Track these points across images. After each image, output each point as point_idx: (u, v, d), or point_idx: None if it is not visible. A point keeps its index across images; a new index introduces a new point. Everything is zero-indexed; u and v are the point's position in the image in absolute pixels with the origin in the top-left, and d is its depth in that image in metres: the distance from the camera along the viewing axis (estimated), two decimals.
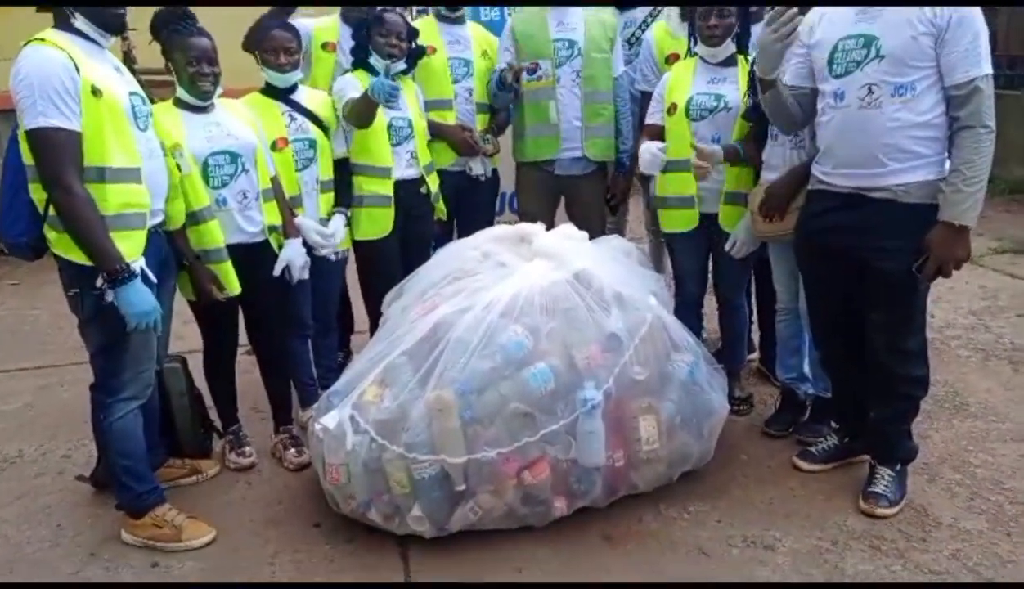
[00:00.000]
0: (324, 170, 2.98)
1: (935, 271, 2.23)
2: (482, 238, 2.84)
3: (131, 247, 2.18)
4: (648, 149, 2.80)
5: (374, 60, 3.03)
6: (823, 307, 2.58)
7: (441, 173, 3.32)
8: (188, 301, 2.69)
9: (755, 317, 3.40)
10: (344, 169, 3.06)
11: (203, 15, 2.61)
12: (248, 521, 2.56)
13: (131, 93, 2.25)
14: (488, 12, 4.18)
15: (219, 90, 2.61)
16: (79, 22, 2.15)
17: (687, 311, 3.00)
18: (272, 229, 2.73)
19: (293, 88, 2.94)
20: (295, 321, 2.98)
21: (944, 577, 2.14)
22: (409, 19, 3.27)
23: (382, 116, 2.96)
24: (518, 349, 2.35)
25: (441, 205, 3.32)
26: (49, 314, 4.69)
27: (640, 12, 3.59)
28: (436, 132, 3.27)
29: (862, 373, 2.49)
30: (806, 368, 2.92)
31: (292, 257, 2.76)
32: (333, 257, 3.00)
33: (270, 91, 2.92)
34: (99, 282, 2.13)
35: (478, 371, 2.31)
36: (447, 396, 2.30)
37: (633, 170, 3.63)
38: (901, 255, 2.25)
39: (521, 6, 3.64)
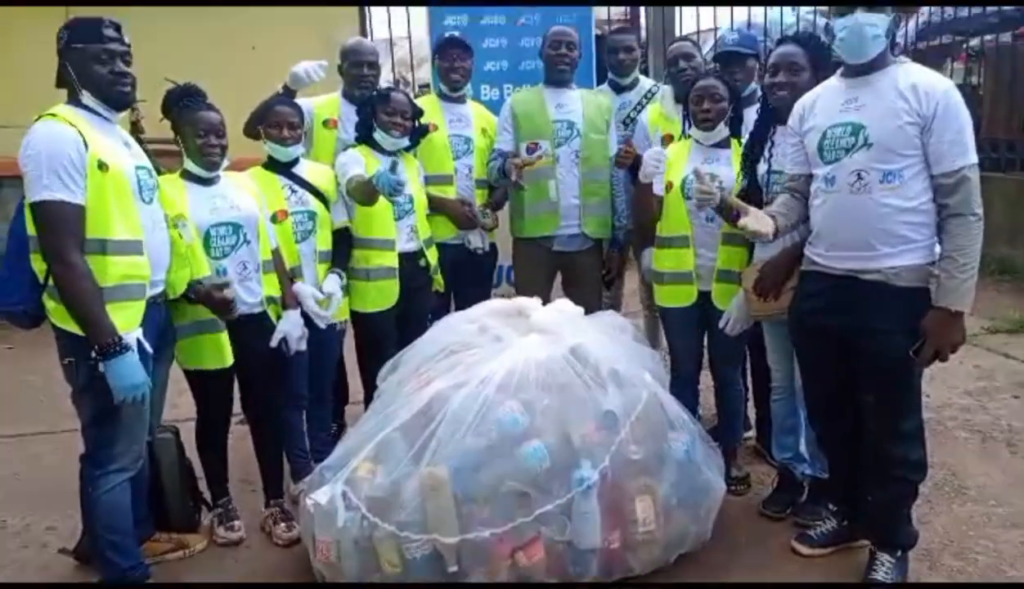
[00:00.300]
0: (323, 241, 3.01)
1: (932, 355, 2.24)
2: (479, 312, 2.85)
3: (129, 317, 2.19)
4: (652, 155, 2.80)
5: (379, 136, 3.11)
6: (818, 387, 2.58)
7: (440, 246, 3.37)
8: (183, 370, 2.68)
9: (751, 394, 3.39)
10: (343, 238, 3.09)
11: (212, 91, 2.69)
12: None
13: (138, 167, 2.30)
14: (488, 92, 4.34)
15: (226, 163, 2.67)
16: (86, 98, 2.22)
17: (683, 388, 2.99)
18: (271, 300, 2.74)
19: (294, 162, 3.00)
20: (290, 392, 2.97)
21: None
22: (412, 96, 3.38)
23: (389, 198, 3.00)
24: (514, 425, 2.34)
25: (439, 277, 3.35)
26: (43, 379, 4.64)
27: (635, 94, 3.70)
28: (437, 206, 3.33)
29: (860, 455, 2.48)
30: (803, 448, 2.90)
31: (289, 329, 2.77)
32: (325, 326, 2.99)
33: (272, 165, 2.98)
34: (93, 352, 2.13)
35: (473, 448, 2.29)
36: (441, 473, 2.27)
37: (628, 246, 3.70)
38: (893, 337, 2.26)
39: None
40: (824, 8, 6.92)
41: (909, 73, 2.24)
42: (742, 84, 3.15)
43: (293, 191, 2.97)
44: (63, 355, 2.23)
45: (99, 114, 2.24)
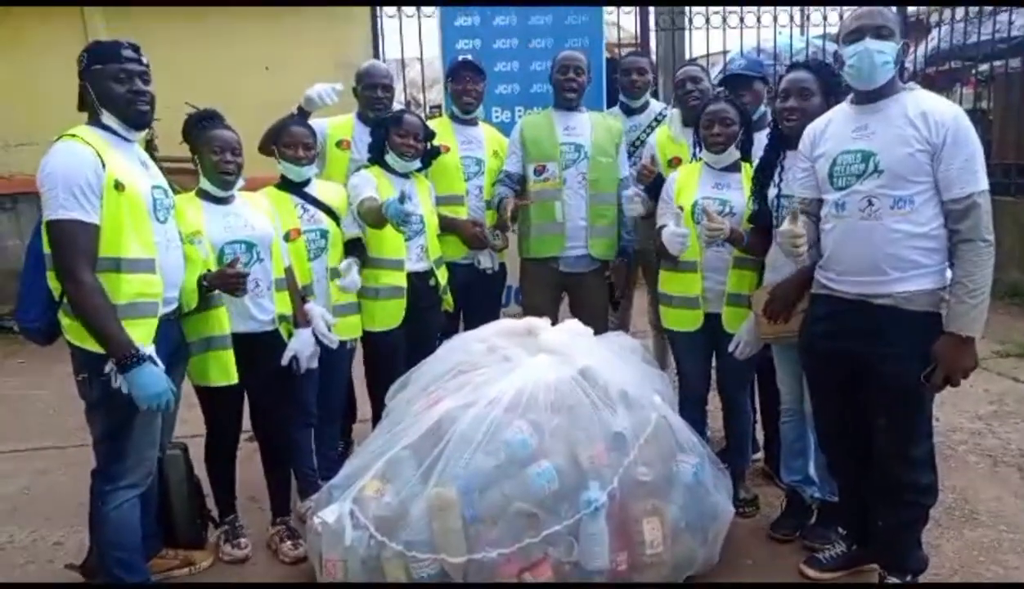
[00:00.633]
0: (335, 259, 3.04)
1: (943, 380, 2.24)
2: (488, 332, 2.86)
3: (142, 334, 2.21)
4: (677, 234, 2.79)
5: (390, 158, 3.15)
6: (828, 411, 2.57)
7: (450, 266, 3.39)
8: (193, 386, 2.70)
9: (759, 417, 3.38)
10: (356, 246, 3.12)
11: (226, 112, 2.73)
12: None
13: (154, 186, 2.33)
14: (499, 114, 4.38)
15: (240, 182, 2.70)
16: (106, 118, 2.26)
17: (691, 410, 2.99)
18: (283, 318, 2.76)
19: (307, 182, 3.04)
20: (300, 410, 2.98)
21: None
22: (424, 118, 3.42)
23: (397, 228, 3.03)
24: (522, 447, 2.34)
25: (449, 297, 3.37)
26: (54, 395, 4.68)
27: (645, 117, 3.73)
28: (447, 226, 3.35)
29: (869, 478, 2.47)
30: (811, 471, 2.88)
31: (300, 348, 2.78)
32: (336, 346, 3.00)
33: (285, 184, 3.02)
34: (107, 368, 2.15)
35: (481, 469, 2.30)
36: (449, 494, 2.27)
37: (637, 264, 3.71)
38: (903, 362, 2.26)
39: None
40: (833, 33, 6.98)
41: (919, 100, 2.25)
42: (751, 106, 3.18)
43: (305, 210, 3.01)
44: (77, 371, 2.25)
45: (118, 134, 2.28)
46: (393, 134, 3.12)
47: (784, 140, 2.74)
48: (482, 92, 3.55)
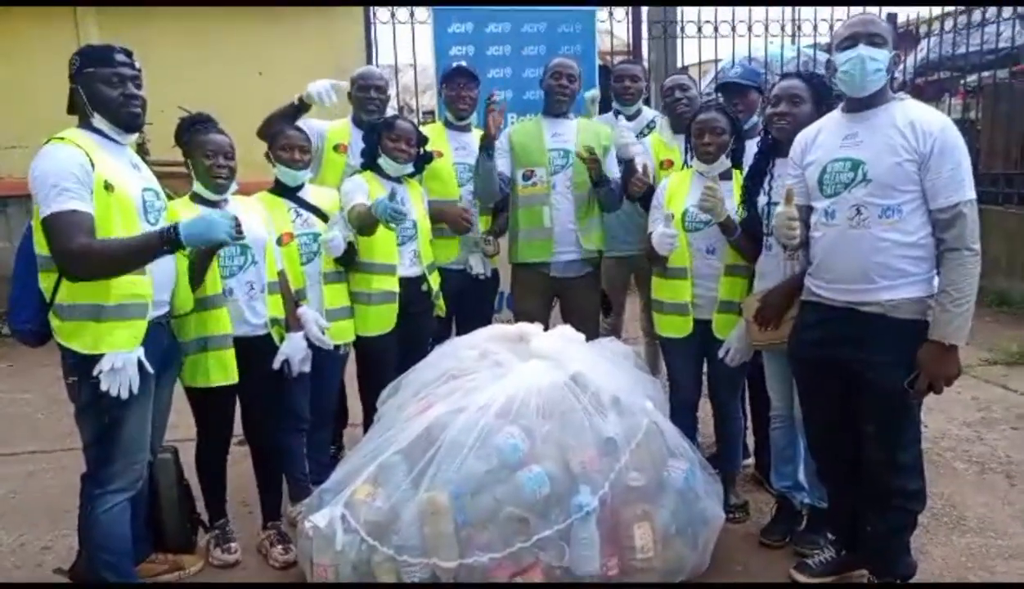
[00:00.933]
0: (327, 263, 3.04)
1: (927, 387, 2.26)
2: (480, 337, 2.87)
3: (131, 336, 2.21)
4: (666, 236, 2.82)
5: (383, 162, 3.15)
6: (818, 417, 2.59)
7: (442, 271, 3.40)
8: (185, 389, 2.69)
9: (750, 422, 3.39)
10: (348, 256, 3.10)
11: (219, 116, 2.74)
12: None
13: (145, 188, 2.33)
14: None
15: (234, 186, 2.70)
16: (97, 121, 2.26)
17: (682, 415, 3.00)
18: (275, 322, 2.76)
19: (301, 186, 3.04)
20: (291, 415, 2.97)
21: None
22: (417, 123, 3.43)
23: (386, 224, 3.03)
24: (513, 451, 2.34)
25: (441, 302, 3.37)
26: (41, 398, 4.66)
27: (636, 124, 3.75)
28: (436, 214, 3.35)
29: (859, 485, 2.48)
30: (801, 477, 2.90)
31: (292, 352, 2.78)
32: (330, 347, 3.00)
33: (278, 189, 3.02)
34: (96, 370, 2.14)
35: (472, 473, 2.30)
36: (440, 498, 2.28)
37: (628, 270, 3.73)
38: (891, 369, 2.28)
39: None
40: (823, 44, 7.05)
41: (907, 110, 2.28)
42: (743, 115, 3.20)
43: (298, 214, 3.01)
44: (67, 374, 2.24)
45: (109, 137, 2.28)
46: (386, 138, 3.13)
47: (774, 147, 2.76)
48: (476, 98, 3.56)
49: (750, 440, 3.46)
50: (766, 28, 6.93)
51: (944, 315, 2.20)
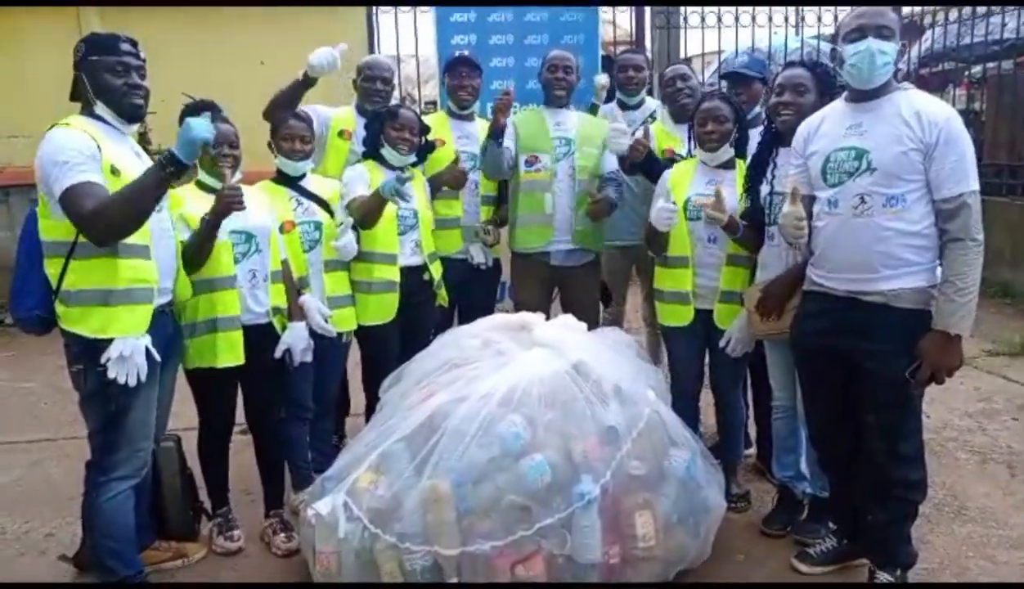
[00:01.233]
0: (329, 251, 3.04)
1: (928, 377, 2.26)
2: (482, 326, 2.87)
3: (137, 321, 2.22)
4: (666, 210, 2.80)
5: (386, 152, 3.15)
6: (820, 407, 2.59)
7: (444, 261, 3.39)
8: (187, 375, 2.70)
9: (751, 412, 3.40)
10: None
11: (221, 106, 2.73)
12: None
13: None
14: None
15: (238, 175, 2.70)
16: (99, 108, 2.26)
17: (684, 405, 3.00)
18: (277, 311, 2.76)
19: (302, 175, 3.04)
20: (294, 403, 2.98)
21: None
22: (419, 113, 3.42)
23: (390, 204, 3.04)
24: (515, 440, 2.34)
25: (442, 291, 3.37)
26: (43, 386, 4.67)
27: (640, 114, 3.75)
28: (437, 184, 3.34)
29: (860, 474, 2.48)
30: (803, 466, 2.90)
31: (294, 341, 2.78)
32: (333, 335, 3.00)
33: (280, 178, 3.03)
34: (104, 358, 2.15)
35: (474, 462, 2.30)
36: (442, 486, 2.28)
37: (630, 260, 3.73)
38: (893, 358, 2.28)
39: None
40: (827, 34, 7.01)
41: (912, 100, 2.27)
42: (747, 105, 3.19)
43: (300, 203, 3.01)
44: (72, 362, 2.25)
45: (111, 125, 2.28)
46: (389, 128, 3.13)
47: (777, 137, 2.76)
48: (478, 87, 3.56)
49: (751, 430, 3.46)
50: (770, 19, 6.90)
51: (949, 305, 2.20)
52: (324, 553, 2.37)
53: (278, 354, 2.77)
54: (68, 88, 2.30)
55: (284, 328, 2.79)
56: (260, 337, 2.71)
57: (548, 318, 2.90)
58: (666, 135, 3.49)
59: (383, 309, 3.14)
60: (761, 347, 2.91)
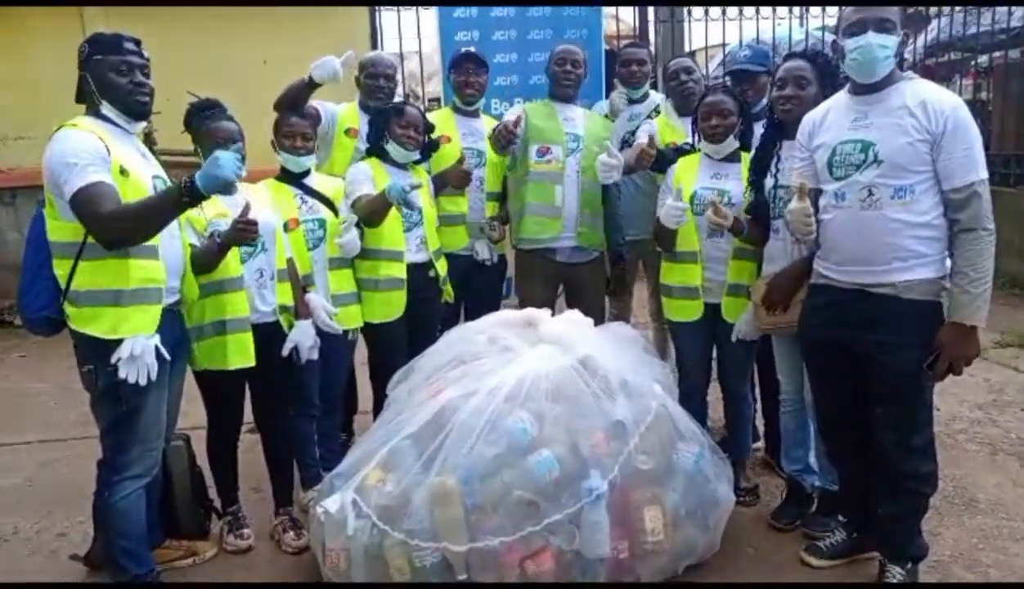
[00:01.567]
0: (333, 249, 3.05)
1: (946, 369, 2.25)
2: (488, 322, 2.87)
3: (147, 321, 2.23)
4: (676, 208, 2.79)
5: (391, 149, 3.16)
6: (828, 400, 2.58)
7: (449, 257, 3.39)
8: (196, 375, 2.70)
9: (759, 406, 3.39)
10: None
11: (231, 102, 2.74)
12: None
13: (154, 176, 2.35)
14: (499, 106, 4.38)
15: (243, 172, 2.70)
16: (105, 108, 2.27)
17: (691, 399, 3.00)
18: (283, 309, 2.77)
19: (305, 173, 3.04)
20: (301, 401, 2.99)
21: None
22: (423, 110, 3.42)
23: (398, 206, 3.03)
24: (523, 435, 2.35)
25: (448, 288, 3.38)
26: (55, 388, 4.69)
27: (644, 108, 3.74)
28: (440, 184, 3.34)
29: (869, 467, 2.47)
30: (812, 460, 2.90)
31: (301, 339, 2.79)
32: (339, 332, 3.01)
33: (284, 176, 3.03)
34: (114, 357, 2.16)
35: (482, 457, 2.30)
36: (450, 483, 2.28)
37: (636, 254, 3.72)
38: (903, 351, 2.27)
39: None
40: (832, 26, 6.97)
41: (918, 90, 2.25)
42: (753, 100, 3.18)
43: (304, 201, 3.02)
44: (82, 362, 2.26)
45: (117, 125, 2.29)
46: (395, 125, 3.13)
47: (781, 130, 2.74)
48: (484, 84, 3.55)
49: (760, 423, 3.45)
50: (774, 10, 6.86)
51: (964, 296, 2.19)
52: (333, 550, 2.38)
53: (285, 352, 2.77)
54: (73, 89, 2.32)
55: (291, 326, 2.80)
56: (267, 336, 2.72)
57: (554, 314, 2.90)
58: (670, 129, 3.48)
59: (390, 306, 3.14)
60: (768, 341, 2.90)
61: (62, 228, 2.18)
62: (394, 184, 2.84)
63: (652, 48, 6.63)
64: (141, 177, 2.25)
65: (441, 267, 3.30)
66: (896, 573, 2.41)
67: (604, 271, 3.60)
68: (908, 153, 2.21)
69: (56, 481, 3.47)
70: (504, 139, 3.16)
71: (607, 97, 3.99)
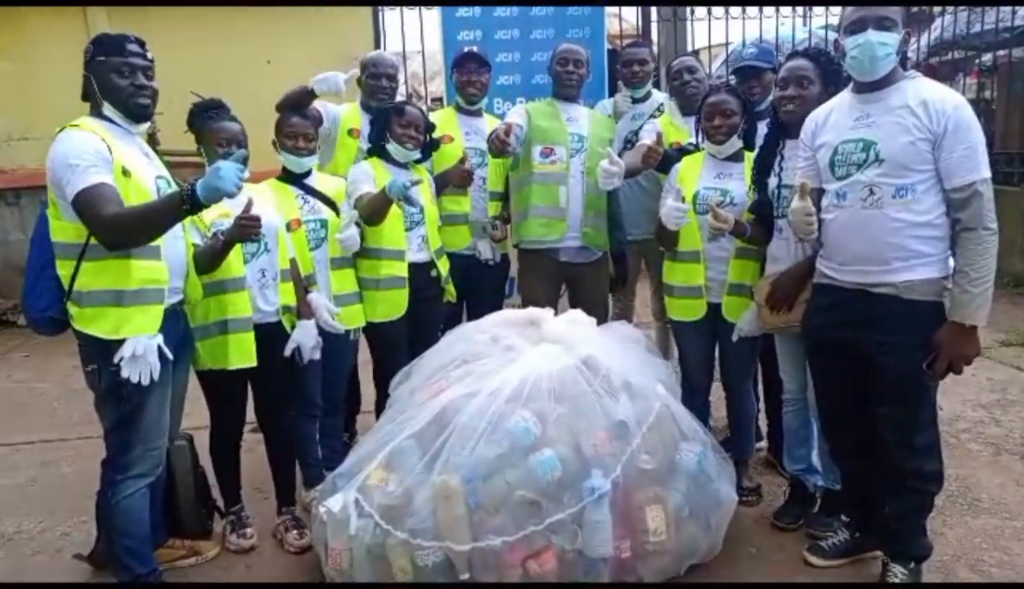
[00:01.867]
0: (335, 249, 3.05)
1: (945, 368, 2.24)
2: (491, 322, 2.87)
3: (149, 321, 2.23)
4: (677, 208, 2.79)
5: (392, 148, 3.16)
6: (831, 399, 2.58)
7: (452, 256, 3.40)
8: (199, 375, 2.71)
9: (762, 405, 3.39)
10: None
11: (234, 102, 2.74)
12: None
13: (157, 177, 2.35)
14: (501, 105, 4.38)
15: (246, 173, 2.70)
16: (107, 109, 2.27)
17: (694, 399, 3.00)
18: (286, 309, 2.77)
19: (307, 173, 3.05)
20: (303, 401, 2.99)
21: None
22: (425, 110, 3.42)
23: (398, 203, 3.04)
24: (525, 435, 2.35)
25: (451, 287, 3.38)
26: (58, 387, 4.71)
27: (647, 107, 3.73)
28: (442, 184, 3.35)
29: (873, 466, 2.47)
30: (815, 459, 2.89)
31: (303, 339, 2.79)
32: (341, 332, 3.01)
33: (286, 176, 3.03)
34: (117, 357, 2.17)
35: (484, 457, 2.30)
36: (453, 482, 2.28)
37: (639, 253, 3.72)
38: (905, 351, 2.26)
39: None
40: (835, 24, 6.95)
41: (920, 89, 2.25)
42: (759, 97, 3.17)
43: (306, 201, 3.02)
44: (86, 362, 2.27)
45: (120, 126, 2.29)
46: (395, 124, 3.14)
47: (784, 129, 2.74)
48: (487, 83, 3.55)
49: (763, 423, 3.45)
50: (777, 9, 6.85)
51: (964, 295, 2.18)
52: (336, 550, 2.38)
53: (287, 352, 2.78)
54: (77, 90, 2.32)
55: (293, 326, 2.80)
56: (270, 336, 2.72)
57: (556, 313, 2.89)
58: (674, 128, 3.48)
59: (392, 305, 3.14)
60: (771, 340, 2.90)
61: (65, 229, 2.19)
62: (394, 181, 2.85)
63: (655, 47, 6.63)
64: (143, 178, 2.26)
65: (443, 266, 3.30)
66: (898, 573, 2.41)
67: (608, 270, 3.60)
68: (909, 152, 2.20)
69: (60, 480, 3.48)
70: (496, 148, 3.16)
71: (610, 96, 3.99)
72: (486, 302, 3.41)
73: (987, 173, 2.19)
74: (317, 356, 2.88)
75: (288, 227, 2.89)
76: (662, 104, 3.74)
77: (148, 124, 2.43)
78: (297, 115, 3.03)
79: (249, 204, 2.45)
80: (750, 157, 2.94)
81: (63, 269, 2.21)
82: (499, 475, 2.32)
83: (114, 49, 2.25)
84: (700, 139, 3.05)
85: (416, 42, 6.28)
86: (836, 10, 6.85)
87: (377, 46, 6.30)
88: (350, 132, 3.47)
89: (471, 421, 2.36)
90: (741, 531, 2.79)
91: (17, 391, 4.83)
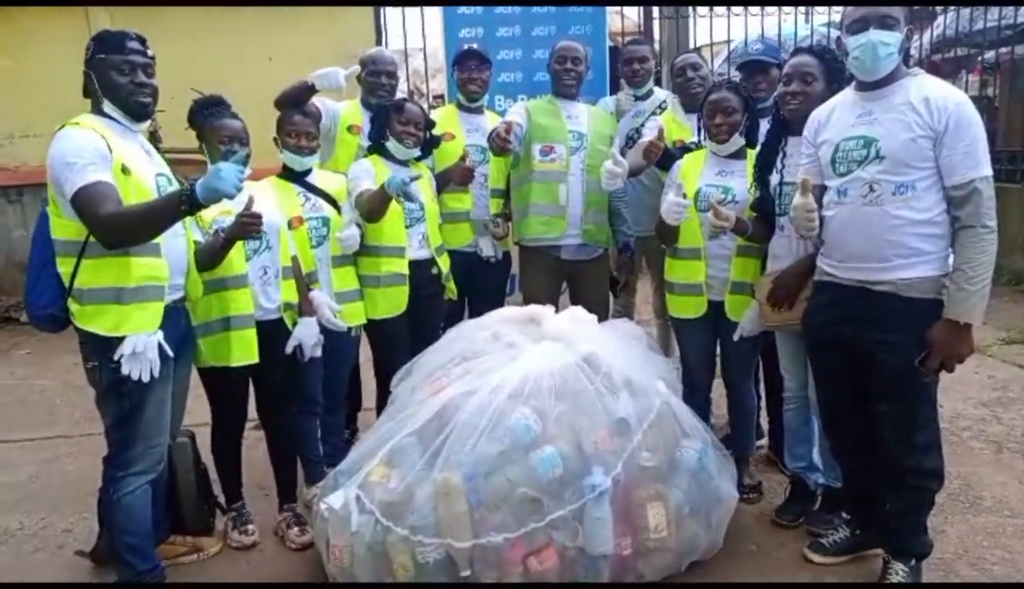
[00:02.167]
0: (336, 247, 3.05)
1: (938, 366, 2.24)
2: (492, 319, 2.87)
3: (149, 318, 2.23)
4: (677, 204, 2.78)
5: (391, 145, 3.16)
6: (832, 397, 2.57)
7: (453, 254, 3.40)
8: (200, 372, 2.71)
9: (763, 403, 3.39)
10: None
11: (236, 100, 2.74)
12: None
13: (158, 174, 2.35)
14: (503, 103, 4.38)
15: (248, 170, 2.71)
16: (107, 107, 2.27)
17: (695, 396, 3.00)
18: (287, 306, 2.78)
19: (308, 171, 3.05)
20: (305, 398, 3.00)
21: None
22: (426, 107, 3.42)
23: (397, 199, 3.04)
24: (526, 432, 2.35)
25: (452, 285, 3.38)
26: (60, 384, 4.72)
27: (649, 104, 3.73)
28: (443, 182, 3.35)
29: (874, 464, 2.47)
30: (815, 457, 2.89)
31: (304, 336, 2.79)
32: (343, 330, 3.01)
33: (286, 174, 3.03)
34: (117, 354, 2.17)
35: (485, 454, 2.30)
36: (454, 479, 2.29)
37: (640, 250, 3.72)
38: (904, 348, 2.26)
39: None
40: (838, 22, 6.94)
41: (922, 86, 2.24)
42: (765, 93, 3.16)
43: (307, 198, 3.02)
44: (87, 359, 2.27)
45: (120, 123, 2.29)
46: (395, 121, 3.13)
47: (786, 125, 2.74)
48: (488, 80, 3.55)
49: (763, 421, 3.45)
50: (779, 7, 6.84)
51: (959, 293, 2.18)
52: (337, 546, 2.39)
53: (289, 349, 2.78)
54: (78, 87, 2.32)
55: (294, 324, 2.80)
56: (271, 333, 2.72)
57: (557, 311, 2.90)
58: (677, 126, 3.47)
59: (392, 302, 3.15)
60: (772, 338, 2.90)
61: (65, 226, 2.19)
62: (393, 177, 2.85)
63: (657, 45, 6.63)
64: (143, 175, 2.25)
65: (443, 264, 3.30)
66: (899, 570, 2.41)
67: (608, 268, 3.60)
68: (910, 149, 2.20)
69: (61, 477, 3.49)
70: (497, 147, 3.16)
71: (612, 94, 3.98)
72: (487, 300, 3.41)
73: (988, 171, 2.18)
74: (318, 353, 2.88)
75: (290, 225, 2.89)
76: (664, 101, 3.73)
77: (149, 122, 2.43)
78: (299, 113, 3.03)
79: (250, 202, 2.45)
80: (752, 154, 2.94)
81: (63, 266, 2.22)
82: (500, 472, 2.32)
83: (114, 46, 2.24)
84: (702, 136, 3.04)
85: (418, 39, 6.27)
86: (838, 7, 6.86)
87: (379, 43, 6.30)
88: (350, 128, 3.47)
89: (472, 418, 2.37)
90: (742, 528, 2.79)
91: (19, 388, 4.83)
